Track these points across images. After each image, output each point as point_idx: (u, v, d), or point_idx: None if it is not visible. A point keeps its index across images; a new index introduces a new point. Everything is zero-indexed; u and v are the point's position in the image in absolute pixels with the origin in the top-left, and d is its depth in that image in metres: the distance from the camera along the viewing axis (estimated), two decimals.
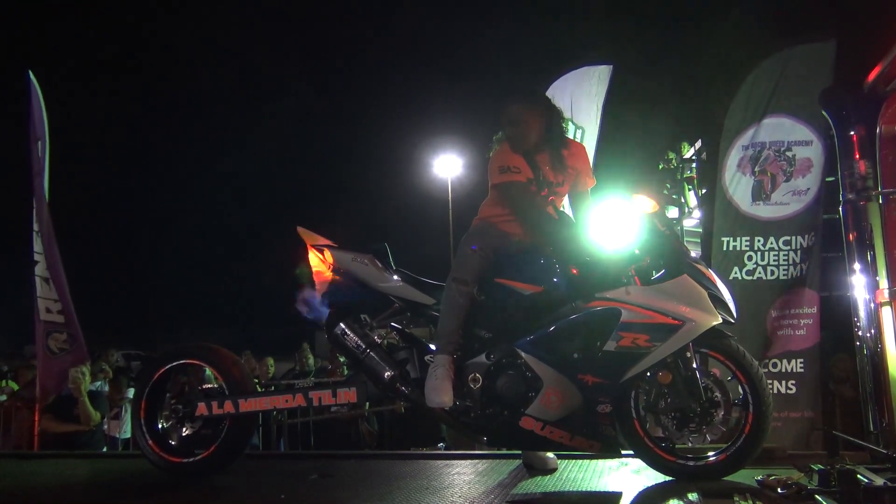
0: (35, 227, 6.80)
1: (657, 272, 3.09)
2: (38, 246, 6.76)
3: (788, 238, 4.99)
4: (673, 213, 7.59)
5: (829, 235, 5.58)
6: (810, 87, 4.80)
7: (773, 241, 5.00)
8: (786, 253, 4.96)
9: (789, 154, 5.08)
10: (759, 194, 5.10)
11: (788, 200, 5.03)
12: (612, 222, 3.11)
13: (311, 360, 8.15)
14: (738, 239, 5.07)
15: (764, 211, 5.06)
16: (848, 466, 2.72)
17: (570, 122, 5.86)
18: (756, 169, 5.10)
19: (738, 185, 5.14)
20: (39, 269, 6.76)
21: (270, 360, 7.88)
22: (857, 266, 3.46)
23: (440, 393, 3.09)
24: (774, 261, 5.01)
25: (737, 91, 5.21)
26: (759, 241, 5.02)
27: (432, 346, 3.29)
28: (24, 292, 6.96)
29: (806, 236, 4.98)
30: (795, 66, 5.01)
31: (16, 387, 7.50)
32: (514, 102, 3.34)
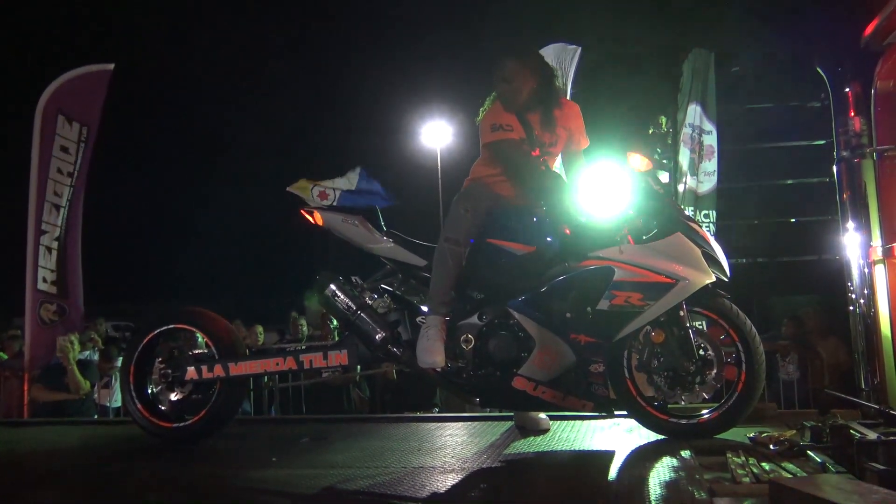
0: (54, 200, 6.88)
1: (650, 231, 3.07)
2: (51, 216, 6.85)
3: (707, 212, 5.73)
4: (664, 177, 7.56)
5: (817, 198, 5.67)
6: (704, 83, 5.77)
7: (699, 214, 5.67)
8: (707, 226, 5.59)
9: (701, 139, 5.80)
10: (692, 169, 5.77)
11: (703, 179, 5.77)
12: (606, 184, 3.08)
13: (305, 328, 8.10)
14: (686, 209, 5.51)
15: (693, 184, 5.76)
16: (840, 422, 2.72)
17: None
18: (692, 146, 5.77)
19: (683, 158, 5.79)
20: (46, 240, 6.84)
21: (260, 328, 7.84)
22: (850, 225, 3.44)
23: (432, 353, 3.07)
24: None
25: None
26: (690, 210, 5.60)
27: (424, 308, 3.26)
28: (15, 263, 6.94)
29: (713, 213, 5.72)
30: (699, 63, 5.83)
31: (4, 357, 7.45)
32: (508, 59, 3.27)
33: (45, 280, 6.90)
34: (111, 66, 7.31)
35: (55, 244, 6.94)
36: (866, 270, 3.35)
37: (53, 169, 7.00)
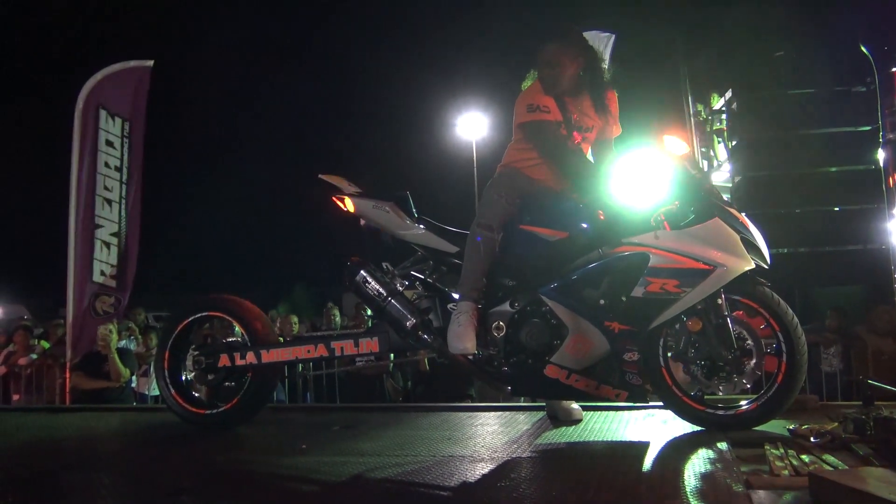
0: (105, 195, 7.07)
1: (687, 216, 2.98)
2: (104, 211, 7.08)
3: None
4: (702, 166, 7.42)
5: (863, 186, 5.50)
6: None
7: None
8: None
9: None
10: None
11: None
12: (641, 169, 3.00)
13: (338, 319, 8.15)
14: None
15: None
16: (885, 414, 2.62)
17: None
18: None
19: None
20: (102, 234, 7.08)
21: (294, 318, 7.89)
22: None
23: (463, 339, 3.03)
24: None
25: None
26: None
27: (455, 295, 3.22)
28: (61, 256, 7.12)
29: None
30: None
31: (47, 345, 7.62)
32: (551, 43, 3.19)
33: (102, 273, 7.14)
34: (150, 63, 7.47)
35: (114, 239, 7.19)
36: None
37: (101, 163, 7.23)
